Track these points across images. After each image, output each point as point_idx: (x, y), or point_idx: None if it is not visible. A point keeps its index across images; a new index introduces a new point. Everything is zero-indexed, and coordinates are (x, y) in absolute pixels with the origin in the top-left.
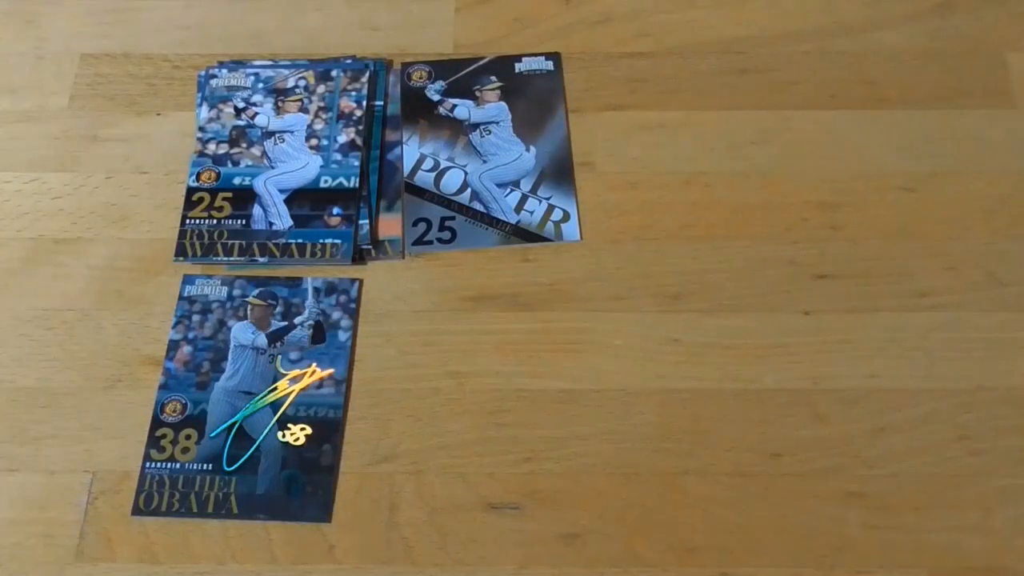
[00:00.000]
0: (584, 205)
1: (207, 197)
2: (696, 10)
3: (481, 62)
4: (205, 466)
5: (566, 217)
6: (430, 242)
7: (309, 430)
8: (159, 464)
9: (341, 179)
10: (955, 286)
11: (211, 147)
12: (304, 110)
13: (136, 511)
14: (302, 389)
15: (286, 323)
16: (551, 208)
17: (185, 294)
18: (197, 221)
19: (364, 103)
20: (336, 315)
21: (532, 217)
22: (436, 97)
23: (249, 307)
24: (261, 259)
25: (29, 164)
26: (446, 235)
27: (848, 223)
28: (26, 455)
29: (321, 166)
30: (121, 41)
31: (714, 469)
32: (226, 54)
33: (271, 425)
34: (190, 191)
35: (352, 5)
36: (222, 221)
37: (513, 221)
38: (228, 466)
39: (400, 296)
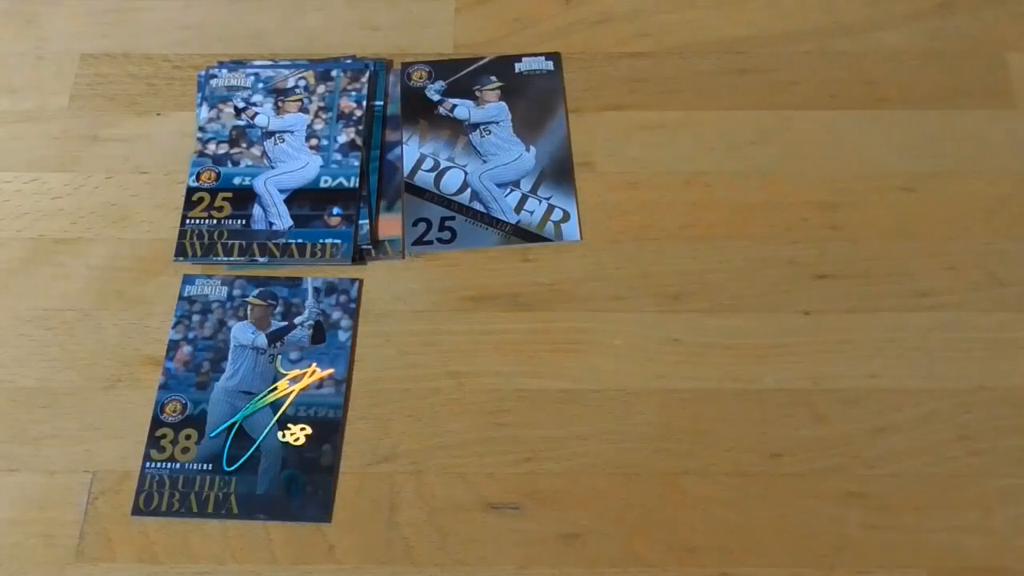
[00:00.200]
0: (584, 205)
1: (207, 197)
2: (696, 10)
3: (481, 62)
4: (205, 466)
5: (566, 217)
6: (430, 242)
7: (309, 430)
8: (159, 464)
9: (341, 179)
10: (955, 286)
11: (211, 147)
12: (304, 110)
13: (136, 511)
14: (302, 389)
15: (286, 323)
16: (551, 208)
17: (185, 294)
18: (197, 221)
19: (364, 103)
20: (336, 315)
21: (532, 217)
22: (436, 97)
23: (249, 307)
24: (261, 259)
25: (29, 164)
26: (446, 235)
27: (848, 223)
28: (26, 455)
29: (321, 166)
30: (121, 41)
31: (714, 469)
32: (226, 54)
33: (271, 425)
34: (190, 191)
35: (352, 5)
36: (222, 221)
37: (513, 221)
38: (228, 466)
39: (400, 296)
